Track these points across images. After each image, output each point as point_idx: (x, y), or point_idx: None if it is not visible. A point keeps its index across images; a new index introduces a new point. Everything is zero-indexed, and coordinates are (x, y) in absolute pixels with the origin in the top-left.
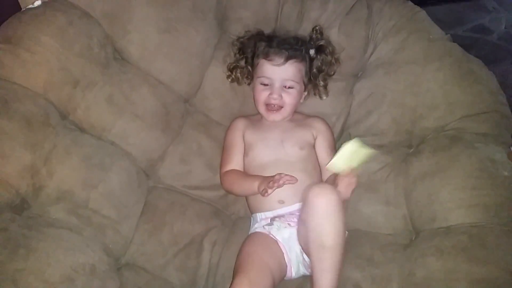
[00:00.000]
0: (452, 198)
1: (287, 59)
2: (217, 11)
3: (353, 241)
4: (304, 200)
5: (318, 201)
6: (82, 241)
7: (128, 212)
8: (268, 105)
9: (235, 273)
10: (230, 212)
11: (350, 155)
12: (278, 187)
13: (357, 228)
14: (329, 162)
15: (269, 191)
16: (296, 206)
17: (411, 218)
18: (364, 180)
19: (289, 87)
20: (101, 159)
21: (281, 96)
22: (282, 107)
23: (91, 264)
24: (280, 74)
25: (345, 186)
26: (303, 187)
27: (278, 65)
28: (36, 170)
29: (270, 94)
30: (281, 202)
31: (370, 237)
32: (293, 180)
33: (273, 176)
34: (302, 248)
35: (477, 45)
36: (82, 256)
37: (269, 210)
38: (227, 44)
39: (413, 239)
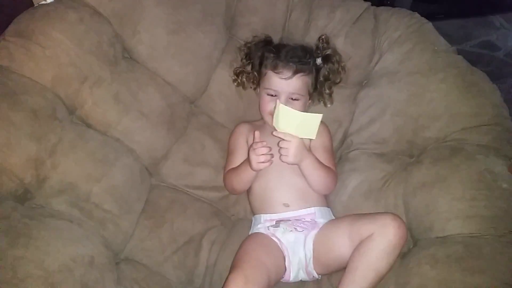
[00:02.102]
0: (450, 208)
1: (295, 73)
2: (226, 15)
3: None
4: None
5: (392, 232)
6: (82, 233)
7: (129, 208)
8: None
9: (232, 268)
10: (230, 214)
11: (283, 118)
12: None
13: None
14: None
15: (261, 158)
16: (302, 212)
17: (409, 227)
18: (364, 188)
19: (294, 99)
20: (106, 154)
21: None
22: None
23: (90, 255)
24: (287, 87)
25: (284, 150)
26: (306, 192)
27: (286, 78)
28: (41, 161)
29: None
30: (286, 205)
31: None
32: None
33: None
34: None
35: (484, 60)
36: (81, 247)
37: (274, 213)
38: (234, 48)
39: (411, 247)
